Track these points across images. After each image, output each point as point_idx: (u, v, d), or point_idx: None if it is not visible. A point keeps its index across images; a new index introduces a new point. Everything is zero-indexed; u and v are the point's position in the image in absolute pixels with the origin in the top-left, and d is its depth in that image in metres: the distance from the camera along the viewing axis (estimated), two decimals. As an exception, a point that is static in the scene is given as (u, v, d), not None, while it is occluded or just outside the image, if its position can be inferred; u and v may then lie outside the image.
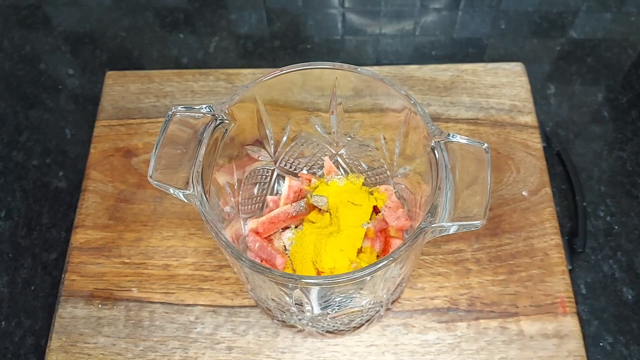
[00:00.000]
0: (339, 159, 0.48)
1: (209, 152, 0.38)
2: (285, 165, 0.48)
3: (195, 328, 0.47)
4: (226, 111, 0.39)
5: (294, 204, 0.46)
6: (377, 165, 0.47)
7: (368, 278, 0.34)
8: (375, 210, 0.45)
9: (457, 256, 0.49)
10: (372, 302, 0.41)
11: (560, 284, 0.48)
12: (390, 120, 0.43)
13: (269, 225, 0.45)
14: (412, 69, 0.59)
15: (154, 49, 0.67)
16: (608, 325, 0.50)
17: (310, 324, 0.43)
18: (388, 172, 0.47)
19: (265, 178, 0.48)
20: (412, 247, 0.34)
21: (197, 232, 0.51)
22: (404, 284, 0.45)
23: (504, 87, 0.58)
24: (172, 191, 0.37)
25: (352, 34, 0.68)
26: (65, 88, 0.64)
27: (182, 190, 0.36)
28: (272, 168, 0.48)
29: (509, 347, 0.46)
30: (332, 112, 0.44)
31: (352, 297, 0.39)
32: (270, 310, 0.44)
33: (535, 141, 0.55)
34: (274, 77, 0.40)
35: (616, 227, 0.54)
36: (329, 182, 0.46)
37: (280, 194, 0.47)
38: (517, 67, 0.59)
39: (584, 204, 0.54)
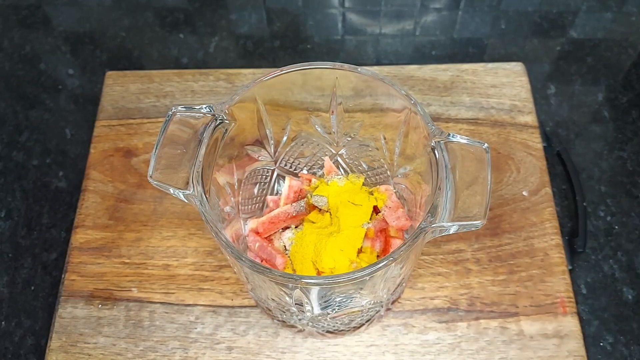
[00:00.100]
0: (339, 159, 0.48)
1: (209, 152, 0.38)
2: (286, 165, 0.48)
3: (196, 328, 0.47)
4: (226, 111, 0.39)
5: (294, 204, 0.46)
6: (377, 165, 0.47)
7: (368, 278, 0.34)
8: (376, 210, 0.45)
9: (457, 256, 0.49)
10: (372, 302, 0.41)
11: (560, 284, 0.48)
12: (391, 120, 0.43)
13: (269, 225, 0.45)
14: (412, 69, 0.59)
15: (154, 49, 0.67)
16: (608, 325, 0.50)
17: (310, 324, 0.43)
18: (388, 172, 0.47)
19: (266, 178, 0.48)
20: (412, 247, 0.34)
21: (197, 232, 0.51)
22: (404, 284, 0.45)
23: (504, 87, 0.58)
24: (172, 191, 0.37)
25: (352, 34, 0.68)
26: (65, 88, 0.64)
27: (182, 190, 0.36)
28: (272, 168, 0.48)
29: (509, 347, 0.46)
30: (332, 112, 0.44)
31: (352, 297, 0.39)
32: (270, 310, 0.44)
33: (536, 141, 0.55)
34: (274, 77, 0.40)
35: (616, 227, 0.54)
36: (329, 182, 0.46)
37: (281, 194, 0.47)
38: (517, 67, 0.59)
39: (584, 204, 0.54)
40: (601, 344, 0.49)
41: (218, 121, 0.38)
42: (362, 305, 0.40)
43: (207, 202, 0.36)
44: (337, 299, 0.39)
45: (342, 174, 0.48)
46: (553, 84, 0.63)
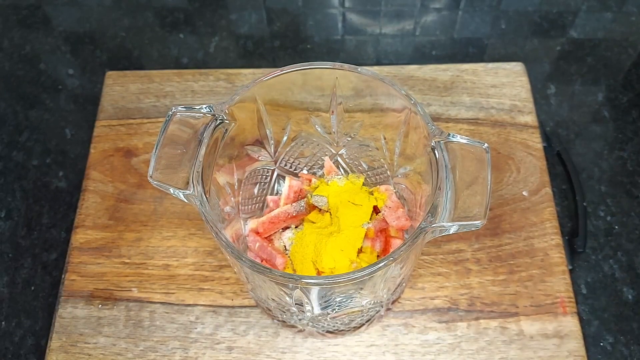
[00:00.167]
0: (339, 159, 0.48)
1: (209, 152, 0.38)
2: (286, 165, 0.48)
3: (196, 328, 0.47)
4: (226, 111, 0.39)
5: (294, 204, 0.46)
6: (378, 165, 0.47)
7: (368, 278, 0.34)
8: (376, 210, 0.45)
9: (457, 256, 0.49)
10: (372, 302, 0.41)
11: (560, 284, 0.48)
12: (391, 120, 0.43)
13: (269, 225, 0.45)
14: (412, 69, 0.59)
15: (154, 49, 0.67)
16: (608, 325, 0.50)
17: (310, 324, 0.43)
18: (388, 172, 0.47)
19: (266, 178, 0.48)
20: (412, 247, 0.34)
21: (197, 232, 0.51)
22: (404, 284, 0.45)
23: (504, 87, 0.58)
24: (172, 191, 0.37)
25: (352, 34, 0.68)
26: (65, 88, 0.64)
27: (182, 190, 0.36)
28: (272, 168, 0.48)
29: (509, 347, 0.46)
30: (332, 112, 0.44)
31: (353, 297, 0.39)
32: (270, 310, 0.44)
33: (536, 141, 0.55)
34: (274, 77, 0.40)
35: (616, 227, 0.54)
36: (329, 182, 0.46)
37: (281, 194, 0.47)
38: (517, 67, 0.59)
39: (584, 203, 0.54)
40: (601, 344, 0.49)
41: (218, 121, 0.38)
42: (362, 305, 0.40)
43: (207, 202, 0.36)
44: (337, 299, 0.39)
45: (342, 174, 0.48)
46: (553, 84, 0.63)
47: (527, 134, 0.55)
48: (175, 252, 0.50)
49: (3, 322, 0.51)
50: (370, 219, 0.44)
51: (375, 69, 0.59)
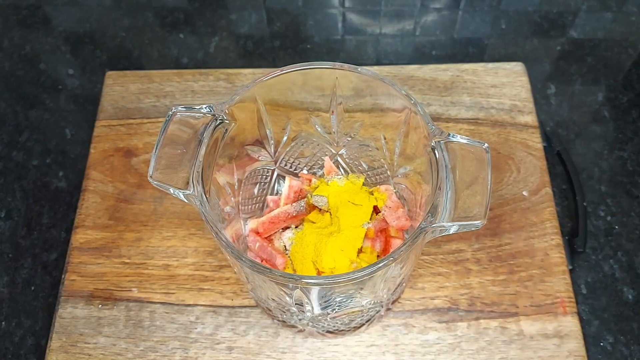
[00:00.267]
0: (339, 159, 0.48)
1: (209, 152, 0.38)
2: (286, 165, 0.48)
3: (196, 328, 0.47)
4: (226, 111, 0.39)
5: (294, 204, 0.46)
6: (378, 165, 0.47)
7: (368, 278, 0.34)
8: (376, 210, 0.45)
9: (457, 256, 0.49)
10: (372, 302, 0.41)
11: (560, 284, 0.48)
12: (391, 120, 0.43)
13: (269, 225, 0.45)
14: (413, 69, 0.59)
15: (154, 49, 0.67)
16: (608, 325, 0.50)
17: (310, 324, 0.43)
18: (388, 172, 0.47)
19: (266, 178, 0.48)
20: (413, 247, 0.34)
21: (197, 232, 0.51)
22: (404, 284, 0.45)
23: (504, 87, 0.58)
24: (172, 191, 0.37)
25: (352, 34, 0.68)
26: (65, 88, 0.64)
27: (182, 190, 0.36)
28: (272, 168, 0.48)
29: (509, 347, 0.46)
30: (333, 112, 0.44)
31: (353, 297, 0.39)
32: (270, 310, 0.44)
33: (536, 141, 0.55)
34: (274, 77, 0.40)
35: (616, 227, 0.54)
36: (329, 182, 0.46)
37: (281, 194, 0.47)
38: (517, 67, 0.59)
39: (585, 203, 0.54)
40: (601, 344, 0.49)
41: (218, 121, 0.38)
42: (362, 305, 0.40)
43: (207, 202, 0.36)
44: (337, 299, 0.39)
45: (342, 174, 0.48)
46: (553, 84, 0.63)
47: (527, 134, 0.55)
48: (175, 252, 0.50)
49: (3, 322, 0.51)
50: (370, 219, 0.44)
51: (375, 69, 0.59)
